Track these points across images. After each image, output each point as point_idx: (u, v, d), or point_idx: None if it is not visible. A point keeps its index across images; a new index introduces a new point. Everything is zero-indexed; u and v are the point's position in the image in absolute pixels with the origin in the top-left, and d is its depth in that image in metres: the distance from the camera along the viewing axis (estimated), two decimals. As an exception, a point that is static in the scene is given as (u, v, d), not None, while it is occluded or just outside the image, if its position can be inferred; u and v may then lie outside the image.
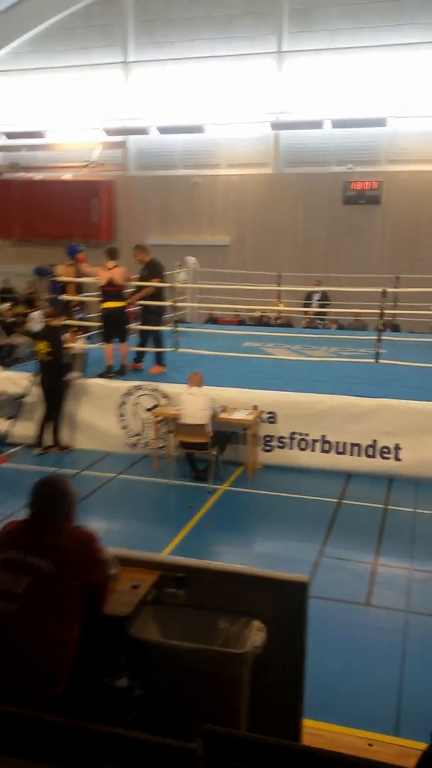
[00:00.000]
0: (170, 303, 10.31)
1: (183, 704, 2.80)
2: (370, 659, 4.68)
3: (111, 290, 9.37)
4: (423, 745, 2.63)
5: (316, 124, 17.69)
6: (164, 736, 1.98)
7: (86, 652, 2.63)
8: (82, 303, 10.44)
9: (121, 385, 9.12)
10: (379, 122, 17.23)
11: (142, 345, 10.13)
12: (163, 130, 18.98)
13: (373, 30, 17.07)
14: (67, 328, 9.53)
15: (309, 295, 16.00)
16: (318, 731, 3.53)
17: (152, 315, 9.98)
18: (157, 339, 10.03)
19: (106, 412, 9.11)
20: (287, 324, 16.65)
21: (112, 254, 9.59)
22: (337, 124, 17.57)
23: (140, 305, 10.05)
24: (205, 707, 2.78)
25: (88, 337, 11.38)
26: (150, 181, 19.64)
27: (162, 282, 9.99)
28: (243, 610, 3.00)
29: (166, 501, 7.79)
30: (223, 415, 8.05)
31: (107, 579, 2.78)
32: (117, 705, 2.64)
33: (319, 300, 15.84)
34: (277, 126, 18.19)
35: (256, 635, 2.89)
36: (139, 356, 10.08)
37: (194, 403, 7.78)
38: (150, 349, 9.97)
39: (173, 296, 10.21)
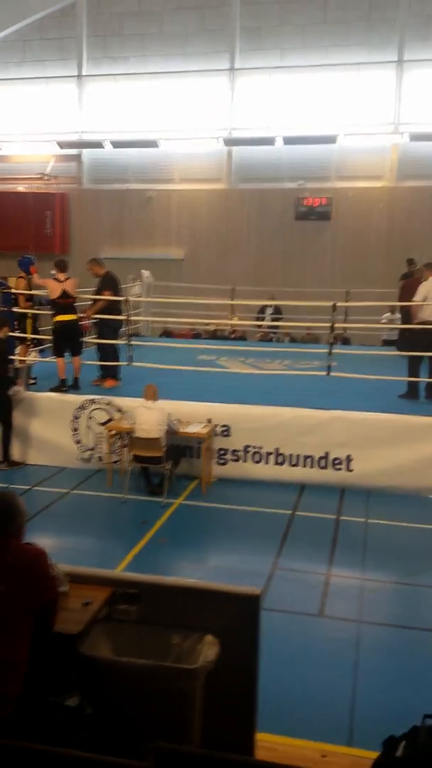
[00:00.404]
0: (125, 317, 10.25)
1: (135, 721, 2.78)
2: (324, 670, 4.70)
3: (64, 303, 9.29)
4: (375, 754, 2.67)
5: (268, 141, 17.96)
6: (115, 754, 1.96)
7: (36, 671, 2.58)
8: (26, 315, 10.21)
9: (75, 399, 9.03)
10: (330, 139, 17.59)
11: (102, 360, 9.99)
12: (117, 144, 19.01)
13: (322, 49, 17.48)
14: (17, 340, 9.39)
15: (263, 309, 16.18)
16: (272, 744, 3.53)
17: (107, 329, 9.92)
18: (112, 353, 9.95)
19: (59, 427, 8.99)
20: (242, 337, 16.77)
21: (63, 266, 9.50)
22: (289, 141, 17.87)
23: (96, 319, 9.99)
24: (158, 724, 2.76)
25: (41, 351, 11.26)
26: (104, 194, 19.62)
27: (117, 295, 9.94)
28: (196, 624, 2.99)
29: (119, 516, 7.72)
30: (180, 429, 8.04)
31: (57, 597, 2.75)
32: (67, 724, 2.60)
33: (272, 314, 16.03)
34: (229, 142, 18.41)
35: (208, 650, 2.88)
36: (106, 372, 9.95)
37: (149, 416, 7.74)
38: (108, 363, 9.87)
39: (128, 310, 10.15)
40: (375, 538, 6.99)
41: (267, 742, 3.43)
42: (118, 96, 19.02)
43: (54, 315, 9.35)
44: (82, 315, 9.93)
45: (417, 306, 9.08)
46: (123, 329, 10.65)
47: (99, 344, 10.03)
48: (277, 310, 16.07)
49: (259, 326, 16.29)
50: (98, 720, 2.70)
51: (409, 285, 10.65)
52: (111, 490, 8.24)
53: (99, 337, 10.02)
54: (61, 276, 9.33)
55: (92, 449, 8.92)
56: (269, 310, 16.08)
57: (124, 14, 18.56)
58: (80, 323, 9.74)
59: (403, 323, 11.58)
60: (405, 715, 2.79)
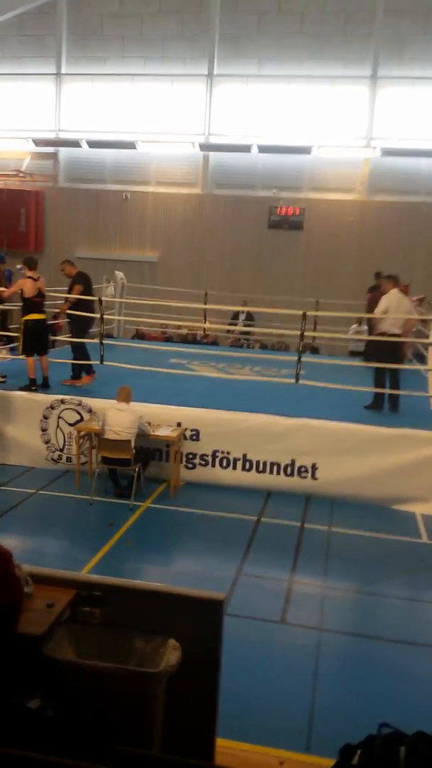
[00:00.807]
0: (97, 315, 10.19)
1: (96, 724, 2.79)
2: (284, 677, 4.76)
3: (39, 301, 9.24)
4: (332, 762, 2.71)
5: (244, 148, 18.10)
6: (77, 757, 1.97)
7: (-2, 673, 2.58)
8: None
9: (45, 398, 8.98)
10: (304, 150, 17.80)
11: (76, 359, 9.91)
12: (94, 144, 18.95)
13: (298, 60, 17.69)
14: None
15: (235, 315, 16.27)
16: (231, 750, 3.56)
17: (77, 327, 9.86)
18: (84, 350, 9.88)
19: (28, 426, 8.93)
20: (213, 342, 16.83)
21: (33, 264, 9.43)
22: (264, 149, 18.03)
23: (68, 316, 9.96)
24: (119, 727, 2.78)
25: (11, 349, 11.17)
26: (80, 193, 19.54)
27: (88, 293, 9.88)
28: (159, 628, 3.01)
29: (87, 518, 7.69)
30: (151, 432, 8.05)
31: (21, 598, 2.75)
32: (28, 727, 2.59)
33: (244, 320, 16.13)
34: (206, 147, 18.48)
35: (171, 654, 2.90)
36: (77, 372, 9.89)
37: (120, 418, 7.73)
38: (81, 362, 9.82)
39: (100, 310, 10.11)
40: (337, 547, 7.09)
41: (226, 748, 3.45)
42: (96, 96, 18.97)
43: (25, 313, 9.27)
44: (56, 313, 9.89)
45: (378, 318, 9.24)
46: (94, 330, 10.62)
47: (72, 343, 9.99)
48: (250, 316, 16.18)
49: (231, 332, 16.37)
50: (60, 723, 2.70)
51: (374, 297, 10.85)
52: (79, 491, 8.21)
53: (71, 336, 9.97)
54: (34, 274, 9.27)
55: (61, 450, 8.88)
56: (242, 316, 16.18)
57: (105, 14, 18.55)
58: (49, 322, 9.67)
59: (370, 335, 11.76)
60: (362, 723, 2.84)
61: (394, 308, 9.11)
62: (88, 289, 9.87)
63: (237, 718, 3.90)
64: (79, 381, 9.73)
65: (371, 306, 10.90)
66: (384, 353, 9.29)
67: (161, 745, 2.90)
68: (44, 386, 9.34)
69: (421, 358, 11.83)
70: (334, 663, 5.00)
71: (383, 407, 9.32)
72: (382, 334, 9.17)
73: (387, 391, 9.33)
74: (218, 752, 3.17)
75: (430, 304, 13.37)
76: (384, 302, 9.15)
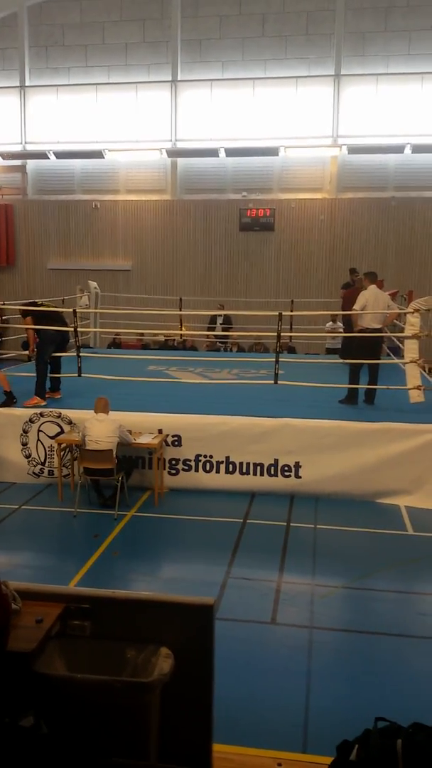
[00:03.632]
0: (69, 329, 10.05)
1: (92, 738, 2.77)
2: (277, 677, 4.76)
3: None
4: (330, 759, 2.72)
5: (212, 153, 18.15)
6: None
7: (-11, 692, 2.55)
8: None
9: (23, 412, 8.90)
10: (272, 152, 17.89)
11: (52, 372, 9.73)
12: (62, 155, 18.89)
13: (262, 63, 17.80)
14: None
15: (213, 319, 16.30)
16: (227, 755, 3.55)
17: (41, 344, 9.44)
18: (42, 369, 9.44)
19: (7, 441, 8.85)
20: (191, 347, 16.83)
21: None
22: (231, 153, 18.10)
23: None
24: (115, 739, 2.76)
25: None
26: (50, 205, 19.47)
27: (45, 317, 9.51)
28: (150, 637, 2.99)
29: (71, 530, 7.64)
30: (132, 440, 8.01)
31: (8, 615, 2.72)
32: (23, 746, 2.57)
33: (222, 323, 16.17)
34: (173, 153, 18.51)
35: (163, 662, 2.89)
36: (54, 384, 9.75)
37: (100, 429, 7.70)
38: (60, 375, 9.73)
39: (74, 322, 10.02)
40: (324, 544, 7.12)
41: (222, 753, 3.44)
42: (61, 107, 18.93)
43: None
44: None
45: (357, 314, 9.31)
46: (71, 341, 10.51)
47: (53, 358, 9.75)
48: (227, 319, 16.22)
49: (207, 336, 16.40)
50: (54, 740, 2.68)
51: (350, 294, 10.92)
52: (62, 504, 8.16)
53: (36, 354, 9.61)
54: None
55: (43, 463, 8.82)
56: (220, 320, 16.21)
57: (66, 25, 18.52)
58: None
59: (345, 332, 11.84)
60: (358, 719, 2.85)
61: (372, 304, 9.19)
62: (42, 317, 9.47)
63: (232, 722, 3.90)
64: (57, 393, 9.66)
65: (346, 303, 10.98)
66: (364, 348, 9.35)
67: (157, 754, 2.89)
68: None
69: (396, 352, 11.93)
70: (327, 660, 5.01)
71: (358, 401, 9.39)
72: (363, 330, 9.23)
73: (362, 386, 9.40)
74: (215, 757, 3.16)
75: (404, 297, 13.51)
76: (362, 299, 9.23)
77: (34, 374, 9.34)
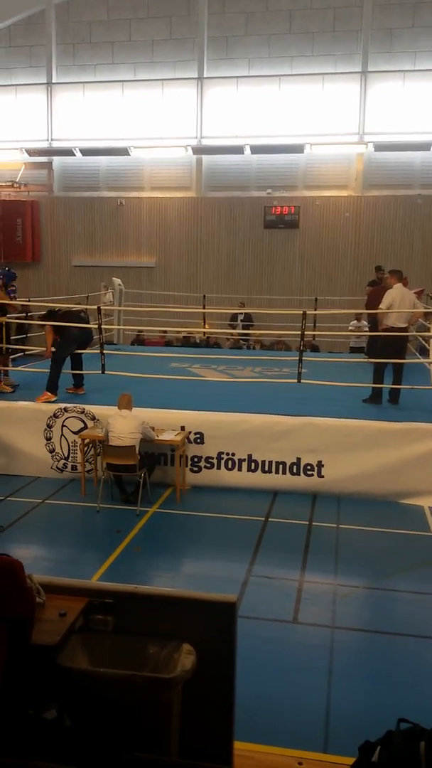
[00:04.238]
0: (93, 326, 10.12)
1: (113, 733, 2.78)
2: (298, 677, 4.75)
3: None
4: (352, 760, 2.70)
5: (237, 150, 18.11)
6: (94, 766, 1.96)
7: (13, 684, 2.57)
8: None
9: (48, 407, 8.97)
10: (297, 149, 17.80)
11: (75, 368, 9.81)
12: (87, 152, 18.99)
13: (288, 59, 17.71)
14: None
15: (234, 317, 16.28)
16: (248, 753, 3.54)
17: (57, 345, 9.49)
18: (56, 366, 9.46)
19: (31, 436, 8.93)
20: (214, 345, 16.84)
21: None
22: (257, 150, 18.04)
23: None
24: (136, 734, 2.77)
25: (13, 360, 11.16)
26: (75, 202, 19.59)
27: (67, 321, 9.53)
28: (172, 633, 3.00)
29: (94, 525, 7.69)
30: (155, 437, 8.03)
31: (33, 608, 2.74)
32: (46, 738, 2.59)
33: (243, 321, 16.14)
34: (198, 150, 18.50)
35: (185, 659, 2.89)
36: (78, 381, 9.80)
37: (124, 425, 7.73)
38: (83, 372, 9.80)
39: (98, 319, 10.06)
40: (346, 544, 7.08)
41: (243, 751, 3.44)
42: (87, 104, 19.02)
43: None
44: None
45: (383, 313, 9.24)
46: (94, 338, 10.54)
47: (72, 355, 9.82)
48: (248, 317, 16.19)
49: (231, 334, 16.38)
50: (77, 732, 2.70)
51: (376, 292, 10.83)
52: (85, 499, 8.21)
53: (54, 351, 9.58)
54: None
55: (66, 458, 8.88)
56: (240, 318, 16.20)
57: (93, 22, 18.59)
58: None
59: (370, 330, 11.74)
60: (380, 720, 2.83)
61: (398, 303, 9.11)
62: (63, 319, 9.52)
63: (254, 720, 3.90)
64: (80, 389, 9.72)
65: (372, 300, 10.88)
66: (389, 347, 9.26)
67: (179, 750, 2.89)
68: None
69: (423, 351, 11.82)
70: (348, 660, 4.99)
71: (382, 401, 9.31)
72: (388, 329, 9.15)
73: (386, 386, 9.32)
74: (236, 755, 3.16)
75: (429, 296, 13.37)
76: (388, 297, 9.14)
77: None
